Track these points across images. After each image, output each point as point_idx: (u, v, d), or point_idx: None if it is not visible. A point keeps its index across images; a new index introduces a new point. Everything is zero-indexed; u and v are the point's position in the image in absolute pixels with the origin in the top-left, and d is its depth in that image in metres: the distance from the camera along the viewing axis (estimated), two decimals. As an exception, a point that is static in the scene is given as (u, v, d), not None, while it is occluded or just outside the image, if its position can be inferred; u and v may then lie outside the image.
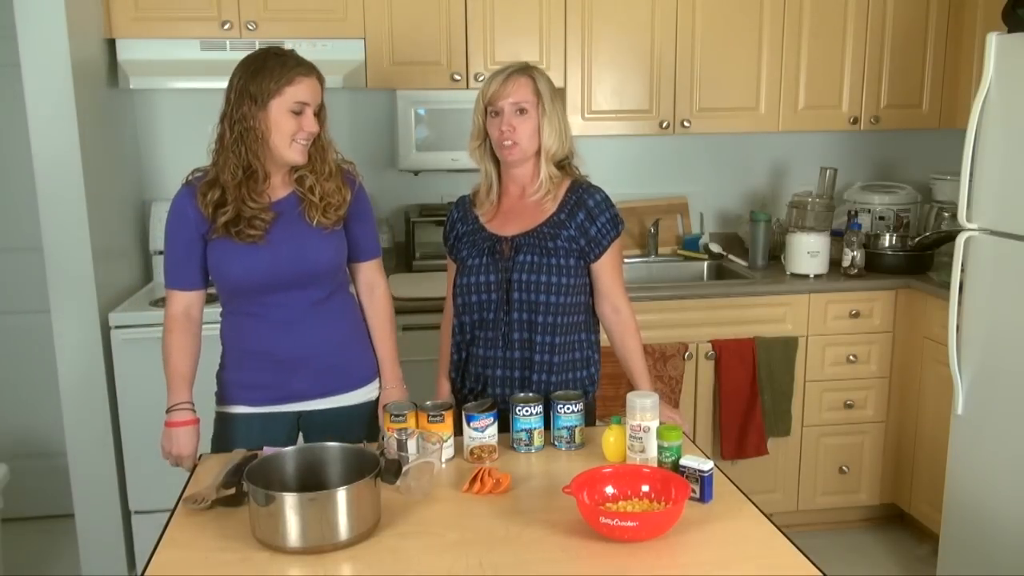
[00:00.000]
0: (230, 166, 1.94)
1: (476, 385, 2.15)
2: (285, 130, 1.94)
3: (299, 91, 1.94)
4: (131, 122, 3.37)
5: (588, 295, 2.13)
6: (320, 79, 2.00)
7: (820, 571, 1.47)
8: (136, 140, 3.39)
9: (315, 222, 2.02)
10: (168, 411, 2.02)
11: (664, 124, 3.38)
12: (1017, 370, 2.56)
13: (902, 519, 3.50)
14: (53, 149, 2.75)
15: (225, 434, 2.11)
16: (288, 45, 2.99)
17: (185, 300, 2.05)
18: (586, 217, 2.07)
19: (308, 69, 1.97)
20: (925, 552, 3.24)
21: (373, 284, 2.21)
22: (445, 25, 3.18)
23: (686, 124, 3.39)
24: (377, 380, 2.20)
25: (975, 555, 2.74)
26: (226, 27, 3.04)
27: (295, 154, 1.97)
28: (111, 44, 3.06)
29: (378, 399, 2.19)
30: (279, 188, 2.03)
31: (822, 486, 3.40)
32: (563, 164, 2.11)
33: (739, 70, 3.38)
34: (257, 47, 2.06)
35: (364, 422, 2.15)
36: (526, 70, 2.05)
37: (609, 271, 2.11)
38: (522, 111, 2.01)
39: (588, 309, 2.14)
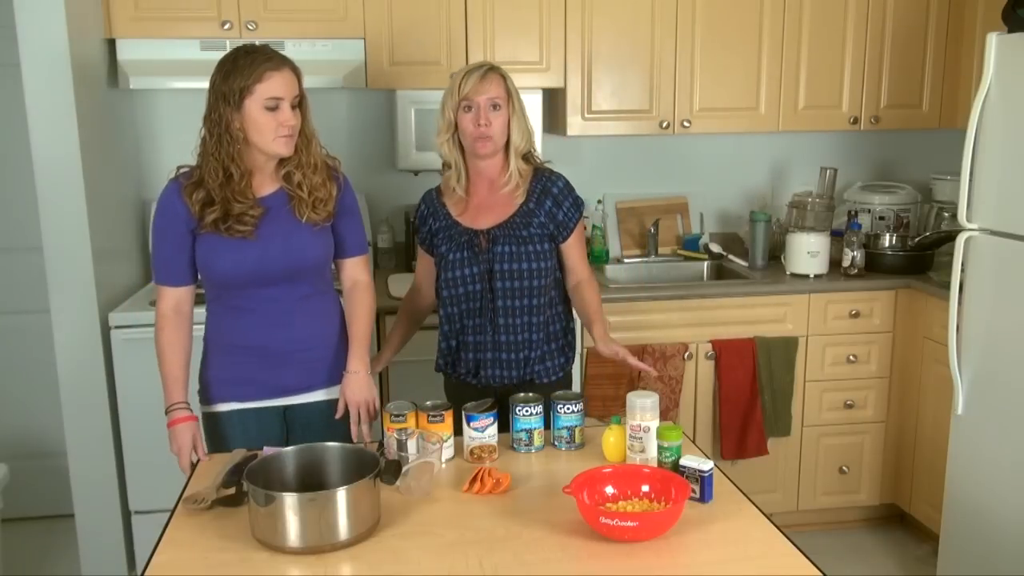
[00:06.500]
0: (211, 169, 1.94)
1: (469, 370, 2.26)
2: (264, 128, 1.93)
3: (270, 87, 1.92)
4: (131, 122, 3.36)
5: (557, 270, 2.29)
6: (295, 71, 1.98)
7: (820, 571, 1.47)
8: (136, 140, 3.39)
9: (305, 218, 2.02)
10: (166, 412, 2.03)
11: (664, 124, 3.38)
12: (1017, 370, 2.56)
13: (902, 519, 3.50)
14: (53, 149, 2.74)
15: (218, 433, 2.10)
16: (288, 45, 3.02)
17: (175, 296, 2.04)
18: (553, 204, 2.23)
19: (278, 63, 1.95)
20: (925, 552, 3.24)
21: (357, 279, 2.19)
22: (445, 25, 3.18)
23: (686, 124, 3.38)
24: None
25: (975, 555, 2.74)
26: (226, 27, 3.03)
27: (280, 147, 1.96)
28: (111, 44, 3.06)
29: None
30: (266, 184, 2.03)
31: (822, 486, 3.39)
32: (526, 156, 2.26)
33: (739, 70, 3.38)
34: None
35: (346, 416, 2.12)
36: (497, 69, 2.20)
37: (575, 249, 2.29)
38: (496, 107, 2.16)
39: (558, 283, 2.30)
